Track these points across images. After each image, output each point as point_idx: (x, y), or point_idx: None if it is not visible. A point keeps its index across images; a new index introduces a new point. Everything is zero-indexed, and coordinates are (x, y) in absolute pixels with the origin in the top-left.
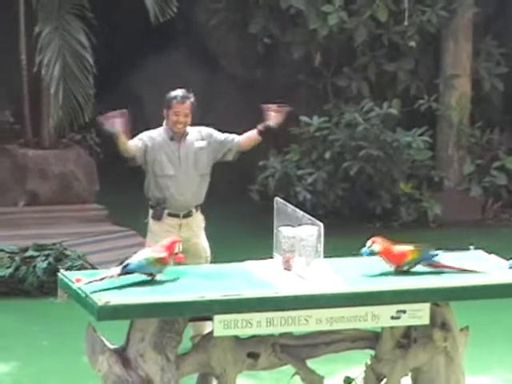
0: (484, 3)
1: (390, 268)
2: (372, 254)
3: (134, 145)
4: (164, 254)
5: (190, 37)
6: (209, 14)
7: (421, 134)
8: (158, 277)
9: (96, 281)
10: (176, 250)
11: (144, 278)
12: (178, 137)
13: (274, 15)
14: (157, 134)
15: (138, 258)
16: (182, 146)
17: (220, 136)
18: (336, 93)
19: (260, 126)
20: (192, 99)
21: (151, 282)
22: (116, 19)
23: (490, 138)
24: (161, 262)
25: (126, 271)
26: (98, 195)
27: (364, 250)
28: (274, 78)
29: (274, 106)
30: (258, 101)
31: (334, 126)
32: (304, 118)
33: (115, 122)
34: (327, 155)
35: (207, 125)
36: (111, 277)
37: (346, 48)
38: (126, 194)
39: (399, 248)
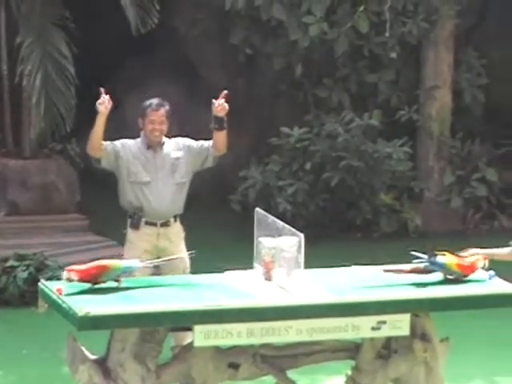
0: (465, 14)
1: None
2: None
3: (104, 148)
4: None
5: (171, 47)
6: (190, 25)
7: (401, 145)
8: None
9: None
10: None
11: None
12: (154, 145)
13: (255, 26)
14: (133, 144)
15: None
16: (159, 155)
17: (196, 145)
18: (317, 104)
19: (211, 124)
20: (167, 107)
21: (131, 291)
22: (97, 29)
23: (471, 150)
24: None
25: None
26: (79, 205)
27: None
28: (254, 89)
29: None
30: (238, 111)
31: (315, 136)
32: (285, 129)
33: (103, 106)
34: (308, 166)
35: (186, 134)
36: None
37: (327, 59)
38: (107, 204)
39: None
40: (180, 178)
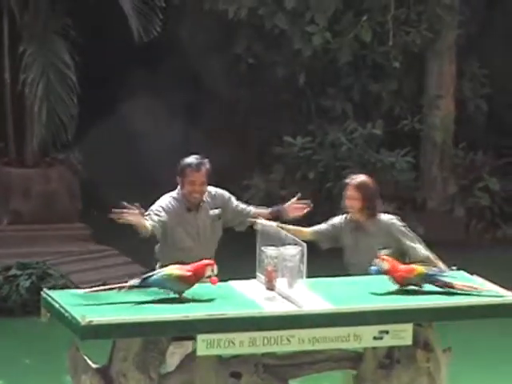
0: (468, 24)
1: (394, 286)
2: (379, 272)
3: (153, 224)
4: (188, 273)
5: (174, 56)
6: (193, 34)
7: (404, 155)
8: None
9: (103, 290)
10: (208, 274)
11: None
12: (194, 206)
13: (258, 35)
14: (172, 205)
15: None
16: (199, 217)
17: (235, 206)
18: (320, 113)
19: (274, 212)
20: (207, 165)
21: (134, 301)
22: (100, 38)
23: (474, 159)
24: (183, 281)
25: (144, 284)
26: (81, 214)
27: (372, 267)
28: (257, 98)
29: (297, 202)
30: (241, 120)
31: (318, 146)
32: (288, 138)
33: (132, 216)
34: (311, 175)
35: (192, 145)
36: (122, 288)
37: (330, 68)
38: (109, 213)
39: (406, 267)
40: (218, 237)
